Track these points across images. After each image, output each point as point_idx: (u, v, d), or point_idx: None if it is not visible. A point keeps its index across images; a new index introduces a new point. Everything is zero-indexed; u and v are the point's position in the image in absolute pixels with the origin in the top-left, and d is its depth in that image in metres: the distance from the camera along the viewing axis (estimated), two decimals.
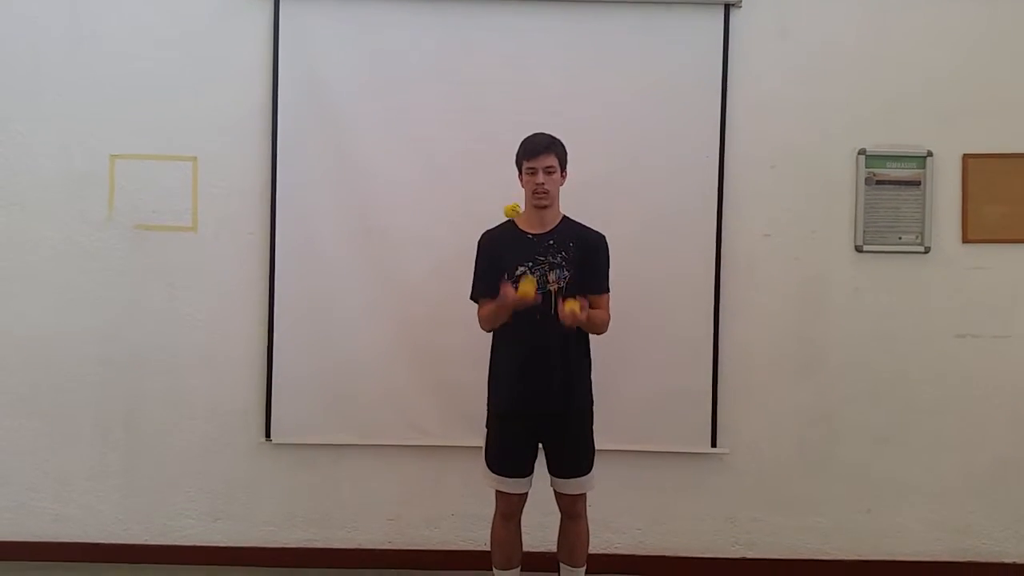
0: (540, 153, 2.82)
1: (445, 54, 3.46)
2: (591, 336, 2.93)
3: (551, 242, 2.85)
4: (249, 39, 3.49)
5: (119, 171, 3.50)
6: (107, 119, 3.50)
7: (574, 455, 2.91)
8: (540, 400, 2.83)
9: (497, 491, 2.94)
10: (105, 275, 3.52)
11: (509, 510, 2.94)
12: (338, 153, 3.47)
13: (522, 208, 2.88)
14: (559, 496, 2.96)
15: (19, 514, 3.57)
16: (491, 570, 3.03)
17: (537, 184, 2.82)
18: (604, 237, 2.95)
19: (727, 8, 3.46)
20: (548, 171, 2.83)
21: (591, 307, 2.86)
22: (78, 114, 3.49)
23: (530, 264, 2.82)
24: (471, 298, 2.96)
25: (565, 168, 2.90)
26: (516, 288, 2.70)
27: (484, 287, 2.89)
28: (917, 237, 3.52)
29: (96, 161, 3.50)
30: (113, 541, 3.57)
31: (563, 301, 2.71)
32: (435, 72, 3.46)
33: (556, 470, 2.93)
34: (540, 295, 2.75)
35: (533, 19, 3.45)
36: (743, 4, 3.46)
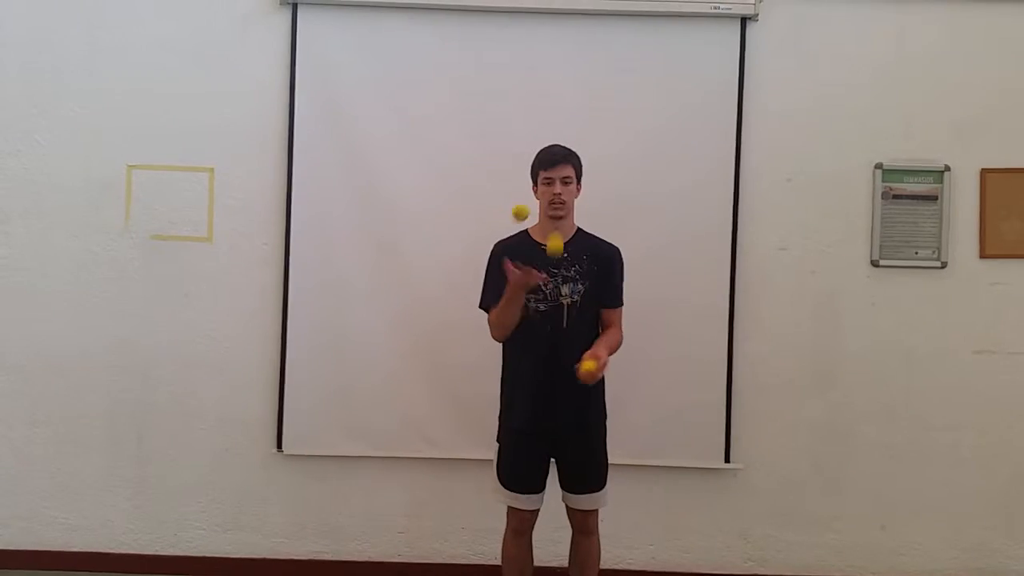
0: (557, 163, 2.82)
1: (461, 68, 3.46)
2: None
3: (565, 254, 2.83)
4: (266, 51, 3.50)
5: (136, 181, 3.52)
6: (125, 129, 3.51)
7: (589, 470, 2.89)
8: (555, 416, 2.81)
9: (509, 507, 2.92)
10: (120, 284, 3.53)
11: (522, 526, 2.92)
12: (353, 165, 3.47)
13: (531, 212, 2.80)
14: (571, 512, 2.94)
15: (31, 523, 3.57)
16: None
17: (554, 194, 2.81)
18: (619, 250, 2.94)
19: (743, 21, 3.45)
20: (565, 181, 2.82)
21: (606, 322, 2.88)
22: (96, 124, 3.51)
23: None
24: (480, 306, 2.94)
25: (580, 180, 2.89)
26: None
27: (495, 297, 2.87)
28: (934, 252, 3.49)
29: (114, 171, 3.51)
30: (124, 551, 3.57)
31: (579, 365, 2.64)
32: (451, 86, 3.46)
33: (570, 486, 2.91)
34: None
35: (549, 33, 3.46)
36: (759, 17, 3.45)
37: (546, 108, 3.42)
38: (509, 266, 2.68)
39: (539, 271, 2.72)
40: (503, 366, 2.94)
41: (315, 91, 3.47)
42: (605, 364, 2.69)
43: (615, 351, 2.84)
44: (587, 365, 2.64)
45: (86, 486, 3.57)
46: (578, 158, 2.87)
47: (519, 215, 2.75)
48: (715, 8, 3.43)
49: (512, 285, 2.70)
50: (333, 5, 3.45)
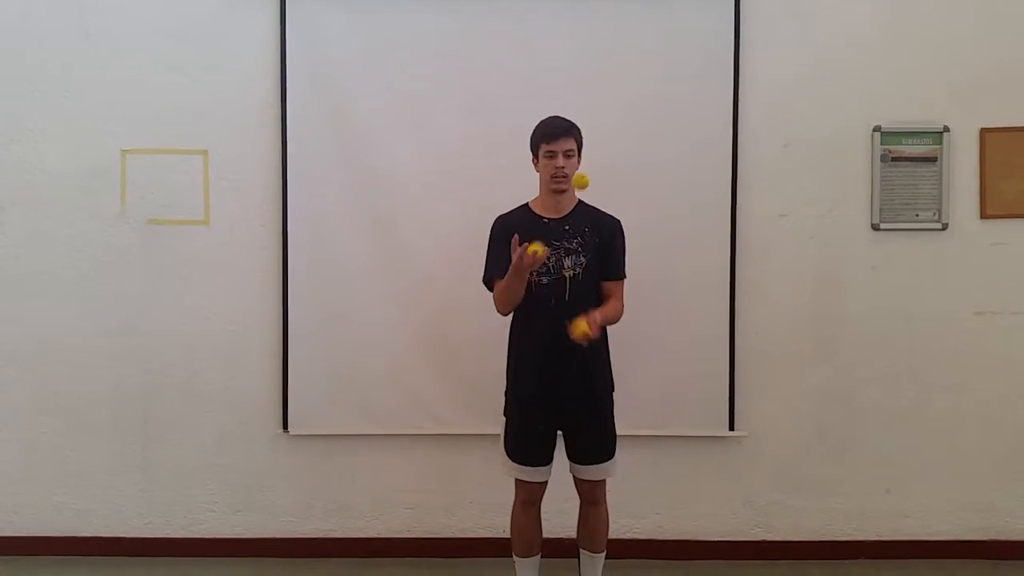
0: (560, 136, 2.79)
1: (454, 42, 3.43)
2: None
3: (567, 227, 2.83)
4: (256, 30, 3.47)
5: (130, 166, 3.50)
6: (117, 114, 3.49)
7: (596, 441, 2.90)
8: (561, 388, 2.82)
9: (517, 480, 2.93)
10: (119, 270, 3.52)
11: (530, 498, 2.94)
12: (347, 143, 3.45)
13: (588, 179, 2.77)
14: (579, 482, 2.96)
15: (41, 509, 3.59)
16: (511, 557, 3.03)
17: (557, 168, 2.79)
18: (619, 222, 2.92)
19: None
20: (568, 155, 2.80)
21: (607, 294, 2.86)
22: (88, 110, 3.49)
23: None
24: (483, 279, 2.93)
25: (580, 152, 2.87)
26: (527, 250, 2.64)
27: (498, 271, 2.87)
28: (934, 214, 3.48)
29: (107, 156, 3.49)
30: (134, 535, 3.60)
31: (571, 324, 2.62)
32: (444, 61, 3.43)
33: (577, 457, 2.92)
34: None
35: (543, 4, 3.42)
36: None
37: (541, 80, 3.39)
38: (516, 243, 2.66)
39: (543, 244, 2.72)
40: (509, 340, 2.93)
41: (307, 68, 3.44)
42: (598, 325, 2.64)
43: (612, 321, 2.84)
44: (580, 326, 2.61)
45: (94, 472, 3.59)
46: (579, 130, 2.85)
47: (580, 184, 2.75)
48: None
49: (515, 264, 2.68)
50: None
